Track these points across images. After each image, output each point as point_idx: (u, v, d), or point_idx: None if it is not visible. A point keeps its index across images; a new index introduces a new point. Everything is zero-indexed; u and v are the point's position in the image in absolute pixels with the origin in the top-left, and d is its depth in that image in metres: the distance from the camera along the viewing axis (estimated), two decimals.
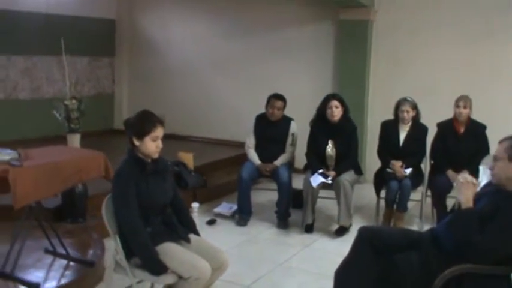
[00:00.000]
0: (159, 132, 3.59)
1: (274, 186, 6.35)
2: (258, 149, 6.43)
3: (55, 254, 4.65)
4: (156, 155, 3.65)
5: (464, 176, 3.46)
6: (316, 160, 6.02)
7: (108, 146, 6.48)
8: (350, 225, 6.02)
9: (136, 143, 3.58)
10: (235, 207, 6.47)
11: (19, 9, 8.64)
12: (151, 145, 3.58)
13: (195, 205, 6.61)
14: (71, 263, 4.56)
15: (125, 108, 10.23)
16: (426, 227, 5.87)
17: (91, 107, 9.05)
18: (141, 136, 3.57)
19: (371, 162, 7.47)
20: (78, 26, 9.44)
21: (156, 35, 10.10)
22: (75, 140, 6.07)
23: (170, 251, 3.54)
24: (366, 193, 7.11)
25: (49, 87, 9.12)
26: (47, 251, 4.69)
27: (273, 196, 6.49)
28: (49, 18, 8.96)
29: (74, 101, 6.07)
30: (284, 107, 6.41)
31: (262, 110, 6.50)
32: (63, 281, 4.25)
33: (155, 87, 10.15)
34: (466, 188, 3.31)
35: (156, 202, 3.61)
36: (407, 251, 3.35)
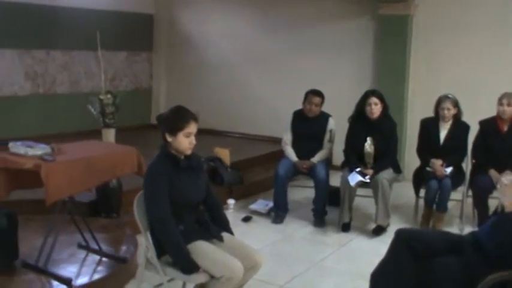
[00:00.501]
0: (192, 128, 3.54)
1: (311, 183, 6.29)
2: (295, 145, 6.38)
3: (88, 249, 4.65)
4: (189, 152, 3.60)
5: (509, 178, 3.33)
6: (354, 157, 5.95)
7: (145, 141, 6.49)
8: (388, 224, 5.93)
9: (169, 139, 3.54)
10: (271, 204, 6.42)
11: (58, 4, 8.71)
12: (185, 141, 3.54)
13: (231, 201, 6.64)
14: (104, 259, 4.55)
15: (162, 103, 10.25)
16: (467, 229, 5.78)
17: (128, 101, 9.12)
18: (174, 132, 3.52)
19: (410, 160, 7.38)
20: (116, 21, 9.48)
21: (194, 30, 10.09)
22: (109, 135, 6.07)
23: (202, 250, 3.49)
24: (404, 192, 6.99)
25: (87, 81, 9.18)
26: (80, 246, 4.69)
27: (310, 193, 6.42)
28: (88, 13, 9.03)
29: (109, 96, 6.06)
30: (322, 103, 6.37)
31: (300, 106, 6.45)
32: (96, 277, 4.24)
33: (193, 82, 10.15)
34: (511, 190, 3.18)
35: (188, 199, 3.57)
36: (447, 255, 3.25)
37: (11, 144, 4.17)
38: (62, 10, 8.74)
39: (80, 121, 8.29)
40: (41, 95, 8.76)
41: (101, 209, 5.59)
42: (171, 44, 10.35)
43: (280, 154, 6.56)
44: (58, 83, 8.98)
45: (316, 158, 6.25)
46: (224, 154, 7.27)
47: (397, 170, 6.10)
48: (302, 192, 7.02)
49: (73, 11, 8.87)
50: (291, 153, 6.34)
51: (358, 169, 5.83)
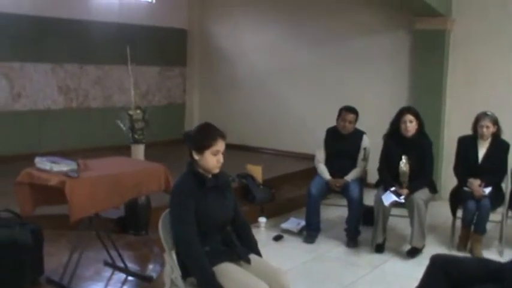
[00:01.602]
0: (220, 146, 3.50)
1: (344, 202, 6.21)
2: (328, 163, 6.32)
3: (114, 266, 4.61)
4: (216, 170, 3.55)
5: None
6: (388, 176, 5.85)
7: (177, 157, 6.48)
8: (423, 246, 5.78)
9: (196, 157, 3.50)
10: (303, 223, 6.35)
11: (92, 19, 8.80)
12: (212, 159, 3.49)
13: (262, 220, 6.58)
14: (129, 277, 4.49)
15: (195, 118, 10.28)
16: (506, 252, 5.63)
17: (161, 116, 9.16)
18: (201, 150, 3.48)
19: (447, 179, 7.23)
20: (149, 36, 9.55)
21: (228, 44, 10.10)
22: (138, 151, 6.04)
23: (228, 272, 3.39)
24: (441, 212, 6.81)
25: (120, 96, 9.21)
26: (106, 264, 4.65)
27: (343, 213, 6.34)
28: (121, 27, 9.09)
29: (138, 111, 6.03)
30: (356, 120, 6.30)
31: (333, 122, 6.39)
32: None
33: (226, 97, 10.16)
34: None
35: (215, 220, 3.50)
36: (486, 284, 3.10)
37: (37, 160, 4.16)
38: (96, 24, 8.82)
39: (112, 136, 8.25)
40: (74, 110, 8.82)
41: (129, 226, 5.57)
42: (205, 59, 10.38)
43: (313, 172, 6.49)
44: (91, 97, 9.05)
45: (350, 177, 6.17)
46: (256, 171, 7.24)
47: (433, 189, 5.95)
48: (335, 211, 6.94)
49: (107, 26, 8.93)
50: (324, 171, 6.27)
51: (392, 188, 5.72)
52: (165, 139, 9.31)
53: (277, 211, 7.04)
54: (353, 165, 6.25)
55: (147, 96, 9.58)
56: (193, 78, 10.44)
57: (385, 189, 5.73)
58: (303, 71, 9.26)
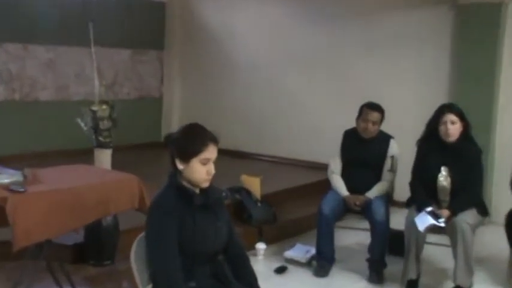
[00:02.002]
0: (211, 152, 3.51)
1: (365, 225, 6.24)
2: (345, 175, 6.36)
3: None
4: (206, 184, 3.56)
5: None
6: (424, 193, 5.80)
7: (152, 166, 6.50)
8: (471, 285, 5.70)
9: (181, 166, 3.51)
10: (313, 251, 6.37)
11: None
12: (201, 170, 3.50)
13: (261, 246, 6.61)
14: None
15: (176, 116, 10.42)
16: None
17: (133, 113, 9.10)
18: (187, 158, 3.49)
19: (501, 198, 7.25)
20: (118, 10, 9.59)
21: (217, 23, 10.17)
22: (104, 157, 6.09)
23: None
24: (493, 241, 6.81)
25: (79, 87, 9.25)
26: None
27: (364, 238, 6.41)
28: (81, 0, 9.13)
29: (103, 107, 6.07)
30: (381, 120, 6.30)
31: (352, 123, 6.40)
32: None
33: (215, 89, 10.25)
34: None
35: (204, 247, 3.52)
36: None
37: None
38: None
39: (69, 138, 8.33)
40: (17, 103, 8.81)
41: (89, 255, 5.55)
42: (188, 40, 10.46)
43: (326, 185, 6.54)
44: (39, 87, 9.04)
45: (373, 193, 6.20)
46: (253, 184, 7.30)
47: (483, 210, 5.83)
48: (353, 237, 6.98)
49: None
50: (339, 185, 6.31)
51: (429, 209, 5.62)
52: (138, 142, 9.43)
53: (279, 235, 7.08)
54: (377, 178, 6.29)
55: (115, 87, 9.64)
56: (173, 64, 10.52)
57: (419, 210, 5.65)
58: (314, 59, 9.32)
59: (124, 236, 5.46)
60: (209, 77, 10.25)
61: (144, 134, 9.94)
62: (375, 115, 6.23)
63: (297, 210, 7.69)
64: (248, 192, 7.20)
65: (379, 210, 6.05)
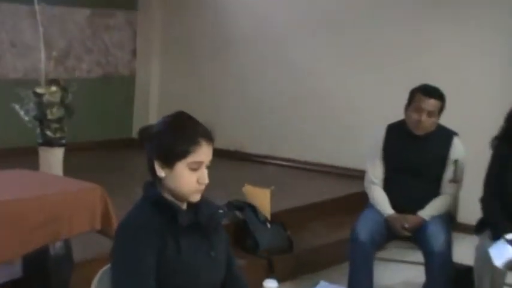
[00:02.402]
0: (203, 154, 3.49)
1: (418, 257, 6.21)
2: (389, 186, 6.35)
3: None
4: (196, 197, 3.54)
5: None
6: (502, 213, 5.76)
7: (121, 173, 6.48)
8: None
9: (162, 172, 3.49)
10: None
11: None
12: (189, 178, 3.48)
13: (271, 284, 6.48)
14: None
15: (153, 103, 10.57)
16: None
17: (94, 98, 9.09)
18: (171, 161, 3.47)
19: None
20: None
21: None
22: (53, 159, 6.06)
23: None
24: None
25: (18, 59, 9.28)
26: None
27: (416, 276, 6.40)
28: None
29: (53, 89, 6.04)
30: (441, 110, 6.20)
31: (398, 114, 6.36)
32: None
33: (208, 68, 10.36)
34: None
35: (191, 285, 3.50)
36: None
37: None
38: None
39: (4, 132, 8.32)
40: None
41: None
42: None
43: (362, 200, 6.55)
44: None
45: (429, 212, 6.15)
46: (261, 197, 7.32)
47: None
48: (401, 273, 7.01)
49: None
50: (381, 201, 6.29)
51: (510, 236, 5.69)
52: (101, 139, 9.49)
53: (297, 269, 7.07)
54: (434, 191, 6.25)
55: (68, 62, 9.72)
56: (151, 32, 10.63)
57: (496, 237, 5.65)
58: (342, 25, 9.49)
59: (80, 269, 5.42)
60: (200, 51, 10.36)
61: (110, 127, 10.01)
62: (431, 103, 6.12)
63: (321, 235, 7.73)
64: (254, 210, 7.20)
65: (437, 236, 5.97)
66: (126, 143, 9.91)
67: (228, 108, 9.86)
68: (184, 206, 3.55)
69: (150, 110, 10.20)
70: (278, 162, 9.78)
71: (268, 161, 9.82)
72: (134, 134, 10.02)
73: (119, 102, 10.44)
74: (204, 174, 3.48)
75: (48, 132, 6.09)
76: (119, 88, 10.48)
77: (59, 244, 5.35)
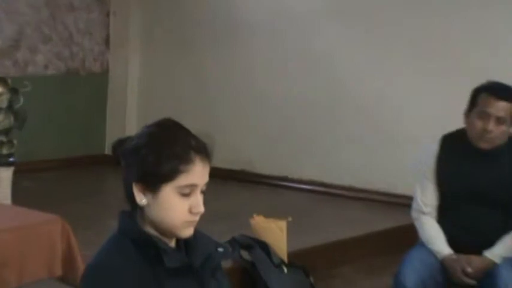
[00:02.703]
0: (197, 175, 3.44)
1: None
2: (444, 217, 6.25)
3: None
4: (188, 232, 3.50)
5: None
6: None
7: (89, 200, 6.43)
8: None
9: (143, 200, 3.43)
10: None
11: None
12: (180, 207, 3.44)
13: None
14: None
15: (131, 107, 10.63)
16: None
17: (52, 103, 9.01)
18: (155, 184, 3.42)
19: None
20: None
21: None
22: None
23: None
24: None
25: None
26: None
27: None
28: None
29: None
30: None
31: (456, 122, 6.27)
32: None
33: (204, 62, 10.45)
34: None
35: None
36: None
37: None
38: None
39: None
40: None
41: None
42: None
43: (408, 236, 6.60)
44: None
45: (500, 251, 6.07)
46: (274, 232, 7.29)
47: None
48: None
49: None
50: (434, 236, 6.21)
51: None
52: (63, 156, 9.52)
53: None
54: (506, 224, 6.13)
55: (19, 54, 9.87)
56: (129, 13, 10.68)
57: None
58: (386, 15, 9.64)
59: None
60: (194, 40, 10.47)
61: (75, 140, 9.98)
62: (501, 106, 5.99)
63: (353, 283, 7.72)
64: (265, 249, 7.13)
65: (511, 284, 5.89)
66: (97, 161, 9.90)
67: (231, 114, 9.77)
68: (172, 244, 3.52)
69: (128, 118, 10.16)
70: (296, 185, 9.73)
71: (283, 183, 9.78)
72: (107, 149, 10.04)
73: (86, 108, 10.41)
74: (198, 201, 3.44)
75: None
76: (87, 89, 10.47)
77: None
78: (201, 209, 3.42)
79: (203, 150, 3.45)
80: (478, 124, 6.03)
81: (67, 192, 7.00)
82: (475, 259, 6.02)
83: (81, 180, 8.88)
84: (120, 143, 3.53)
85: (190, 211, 3.43)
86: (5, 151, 5.94)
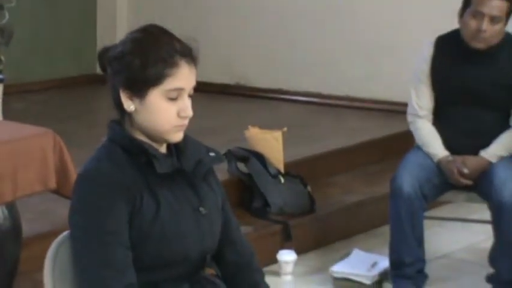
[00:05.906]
0: (184, 78, 3.52)
1: (483, 213, 6.39)
2: (439, 119, 6.45)
3: None
4: (177, 136, 3.59)
5: None
6: None
7: (79, 119, 6.50)
8: None
9: (131, 106, 3.53)
10: (384, 262, 6.52)
11: None
12: (168, 111, 3.54)
13: (288, 256, 6.54)
14: None
15: (120, 29, 10.41)
16: None
17: (37, 18, 9.07)
18: (142, 88, 3.50)
19: None
20: None
21: None
22: None
23: None
24: None
25: None
26: None
27: (481, 238, 6.72)
28: None
29: None
30: (508, 14, 6.24)
31: (450, 23, 6.42)
32: None
33: None
34: None
35: (176, 251, 3.56)
36: None
37: None
38: None
39: None
40: None
41: None
42: None
43: (405, 142, 6.81)
44: None
45: (496, 150, 6.25)
46: (270, 143, 7.45)
47: None
48: (461, 235, 7.20)
49: None
50: (430, 139, 6.37)
51: None
52: (53, 76, 9.43)
53: (320, 235, 7.28)
54: (502, 124, 6.34)
55: None
56: None
57: None
58: None
59: (28, 245, 5.48)
60: None
61: (64, 58, 9.96)
62: (495, 4, 6.12)
63: (351, 190, 7.85)
64: (261, 160, 7.27)
65: (508, 183, 6.02)
66: (88, 81, 9.86)
67: (223, 24, 9.83)
68: (162, 149, 3.59)
69: (118, 31, 10.12)
70: (292, 97, 9.88)
71: (280, 96, 9.88)
72: (98, 69, 9.95)
73: (75, 23, 10.34)
74: (186, 104, 3.53)
75: None
76: (76, 9, 10.37)
77: (0, 211, 5.33)
78: (189, 112, 3.52)
79: (188, 54, 3.49)
80: (472, 24, 6.12)
81: (59, 112, 7.03)
82: (471, 159, 6.21)
83: (71, 101, 8.95)
84: (105, 51, 3.60)
85: (178, 115, 3.50)
86: None
